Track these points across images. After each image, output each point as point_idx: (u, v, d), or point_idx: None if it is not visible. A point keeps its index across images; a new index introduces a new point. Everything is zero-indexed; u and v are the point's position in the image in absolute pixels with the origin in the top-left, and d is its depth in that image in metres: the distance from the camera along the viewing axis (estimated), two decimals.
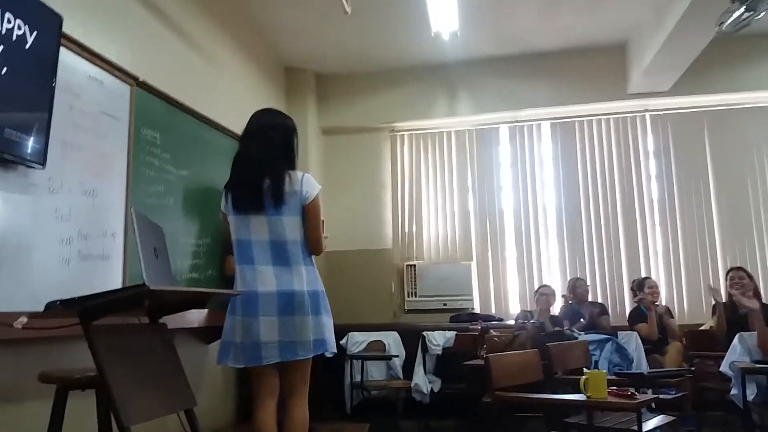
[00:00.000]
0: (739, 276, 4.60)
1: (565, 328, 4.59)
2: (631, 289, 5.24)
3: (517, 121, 6.10)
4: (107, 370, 1.82)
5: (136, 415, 1.84)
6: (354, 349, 5.04)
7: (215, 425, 4.09)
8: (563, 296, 5.22)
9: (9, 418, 2.38)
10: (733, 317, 4.36)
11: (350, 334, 5.14)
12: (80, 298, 1.78)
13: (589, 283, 5.67)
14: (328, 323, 2.52)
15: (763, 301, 4.42)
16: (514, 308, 5.78)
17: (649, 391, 3.55)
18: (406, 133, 6.28)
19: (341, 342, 5.10)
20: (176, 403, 2.10)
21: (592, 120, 5.99)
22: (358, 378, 4.84)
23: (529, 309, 5.11)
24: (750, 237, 5.56)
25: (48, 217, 2.54)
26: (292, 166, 2.59)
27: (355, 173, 6.18)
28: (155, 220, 3.30)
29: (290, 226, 2.49)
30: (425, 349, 4.99)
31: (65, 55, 2.64)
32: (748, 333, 3.96)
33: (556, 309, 5.17)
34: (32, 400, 2.39)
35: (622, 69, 5.71)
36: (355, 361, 4.89)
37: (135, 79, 3.17)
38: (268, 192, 2.47)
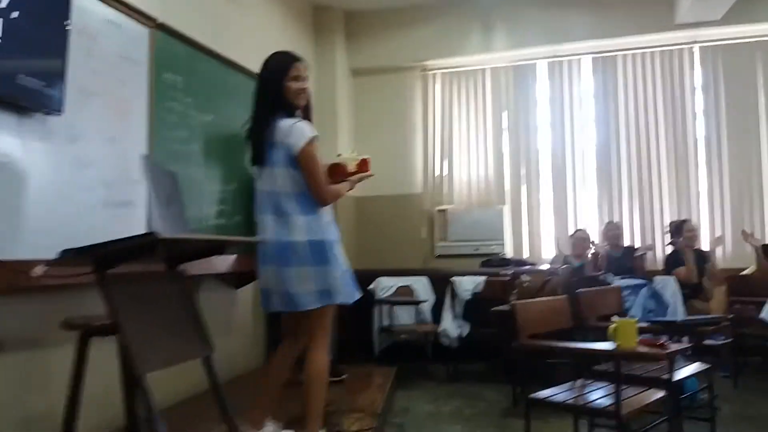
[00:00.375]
0: None
1: (600, 273, 4.47)
2: (669, 232, 5.04)
3: (556, 56, 5.80)
4: (121, 319, 1.83)
5: (151, 362, 1.86)
6: (382, 293, 5.04)
7: (247, 367, 4.20)
8: (592, 243, 5.03)
9: (34, 364, 2.46)
10: None
11: (379, 279, 5.13)
12: (91, 246, 1.77)
13: (628, 227, 5.50)
14: (333, 273, 2.43)
15: None
16: (548, 253, 5.67)
17: (686, 339, 3.47)
18: (438, 72, 6.06)
19: (369, 287, 5.10)
20: (193, 351, 2.12)
21: (636, 54, 5.65)
22: (386, 322, 4.86)
23: (565, 253, 4.99)
24: None
25: (69, 164, 2.53)
26: (275, 114, 2.46)
27: (385, 115, 6.04)
28: (179, 166, 3.31)
29: (282, 177, 2.44)
30: (454, 295, 4.96)
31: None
32: None
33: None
34: (56, 346, 2.45)
35: None
36: (383, 305, 4.90)
37: (153, 21, 3.08)
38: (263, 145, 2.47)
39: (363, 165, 2.71)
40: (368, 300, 5.07)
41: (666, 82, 5.58)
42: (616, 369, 2.46)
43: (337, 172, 2.67)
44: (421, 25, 5.84)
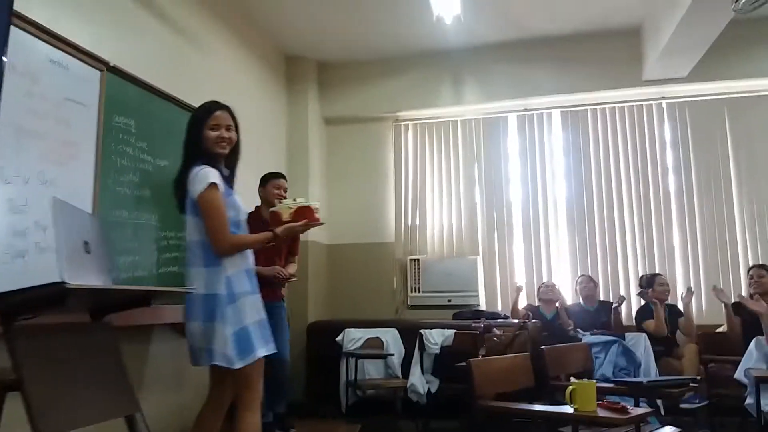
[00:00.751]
0: (759, 274, 4.30)
1: (570, 328, 4.34)
2: (640, 285, 4.95)
3: (526, 110, 5.84)
4: (24, 374, 1.68)
5: (56, 422, 1.70)
6: (350, 346, 4.87)
7: None
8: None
9: None
10: (749, 319, 4.07)
11: (346, 330, 4.97)
12: None
13: (601, 280, 5.42)
14: (221, 331, 2.28)
15: None
16: (522, 305, 5.54)
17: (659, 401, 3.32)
18: (410, 122, 6.07)
19: (336, 338, 4.94)
20: (114, 409, 1.96)
21: (605, 108, 5.69)
22: (353, 376, 4.67)
23: (535, 304, 4.88)
24: None
25: (1, 207, 2.41)
26: (194, 162, 2.44)
27: (358, 164, 6.00)
28: (129, 211, 3.19)
29: (190, 226, 2.41)
30: (423, 348, 4.79)
31: (22, 37, 2.51)
32: (766, 337, 3.68)
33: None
34: None
35: (637, 54, 5.40)
36: (350, 358, 4.72)
37: (105, 64, 3.03)
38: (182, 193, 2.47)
39: (301, 213, 2.58)
40: (336, 352, 4.91)
41: (635, 136, 5.61)
42: None
43: (273, 220, 2.61)
44: (393, 76, 5.87)
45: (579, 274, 5.37)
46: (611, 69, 5.45)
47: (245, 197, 3.89)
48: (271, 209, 2.71)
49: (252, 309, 2.39)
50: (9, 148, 2.43)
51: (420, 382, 4.71)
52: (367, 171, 5.98)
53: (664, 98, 5.55)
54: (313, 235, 5.57)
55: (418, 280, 5.79)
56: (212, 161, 2.45)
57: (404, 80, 5.87)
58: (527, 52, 5.60)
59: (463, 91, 5.78)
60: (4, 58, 2.30)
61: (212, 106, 2.53)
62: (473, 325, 4.94)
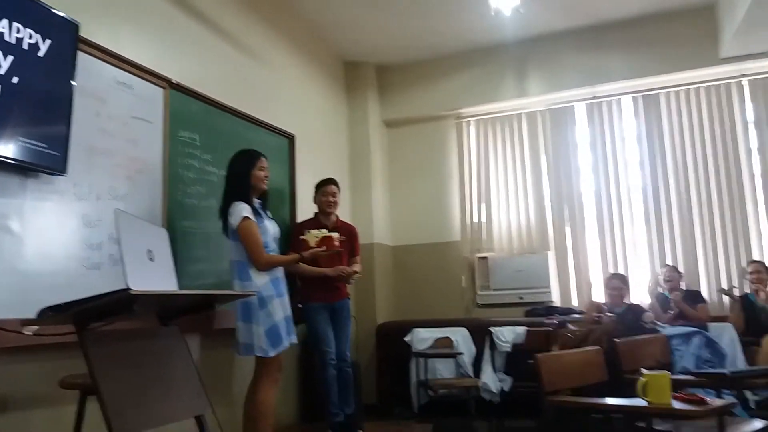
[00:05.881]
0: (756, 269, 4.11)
1: (648, 321, 4.14)
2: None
3: (594, 98, 5.62)
4: (99, 378, 1.78)
5: (130, 424, 1.79)
6: (420, 346, 4.85)
7: (279, 422, 4.07)
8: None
9: (37, 423, 2.43)
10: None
11: (415, 330, 4.95)
12: (67, 303, 1.75)
13: (683, 270, 5.13)
14: (257, 330, 2.94)
15: None
16: (598, 300, 5.33)
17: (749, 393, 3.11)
18: (472, 119, 5.98)
19: (406, 338, 4.93)
20: (184, 410, 2.04)
21: (679, 91, 5.39)
22: (424, 376, 4.65)
23: (603, 301, 4.69)
24: None
25: (75, 223, 2.57)
26: (232, 198, 3.03)
27: (421, 164, 5.98)
28: (197, 221, 3.33)
29: (230, 248, 3.06)
30: (493, 346, 4.71)
31: (89, 62, 2.68)
32: None
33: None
34: (59, 405, 2.42)
35: (711, 31, 5.08)
36: (420, 358, 4.70)
37: (167, 81, 3.17)
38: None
39: (324, 241, 3.25)
40: (405, 353, 4.91)
41: (714, 118, 5.27)
42: (647, 426, 2.21)
43: (302, 246, 3.28)
44: (453, 74, 5.82)
45: (659, 264, 5.12)
46: (684, 49, 5.16)
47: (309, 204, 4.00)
48: (301, 237, 3.36)
49: (279, 308, 3.01)
50: (81, 167, 2.59)
51: (492, 380, 4.63)
52: (429, 170, 5.95)
53: (744, 75, 5.20)
54: (378, 237, 5.62)
55: (488, 278, 5.70)
56: (250, 195, 3.06)
57: (464, 77, 5.80)
58: (593, 38, 5.40)
59: (527, 82, 5.65)
60: (73, 83, 2.47)
61: (258, 153, 3.17)
62: (546, 321, 4.82)
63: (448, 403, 4.74)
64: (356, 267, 3.96)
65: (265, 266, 2.98)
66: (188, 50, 3.50)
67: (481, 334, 4.91)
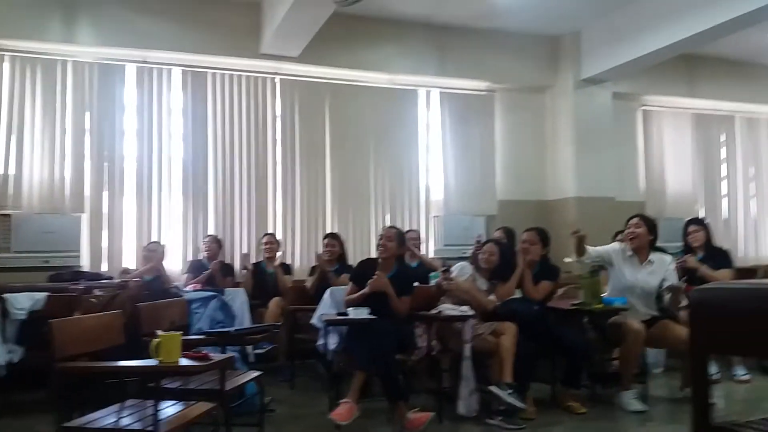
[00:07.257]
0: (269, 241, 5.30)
1: (172, 285, 4.42)
2: None
3: (145, 62, 5.59)
4: None
5: None
6: None
7: None
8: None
9: None
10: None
11: None
12: None
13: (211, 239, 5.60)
14: None
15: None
16: (132, 266, 5.37)
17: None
18: (7, 54, 5.18)
19: None
20: None
21: (225, 74, 5.85)
22: None
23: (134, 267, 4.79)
24: (355, 205, 6.16)
25: None
26: None
27: None
28: None
29: None
30: (6, 314, 4.24)
31: None
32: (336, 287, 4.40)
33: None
34: None
35: (257, 26, 5.68)
36: None
37: None
38: None
39: None
40: None
41: (251, 106, 5.91)
42: (155, 386, 2.41)
43: None
44: None
45: (192, 233, 5.51)
46: (231, 35, 5.63)
47: None
48: None
49: None
50: None
51: (0, 352, 4.16)
52: None
53: (277, 74, 5.99)
54: None
55: (8, 238, 5.08)
56: None
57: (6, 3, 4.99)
58: (147, 2, 5.38)
59: (76, 28, 5.22)
60: None
61: None
62: (71, 287, 4.60)
63: None
64: None
65: None
66: None
67: None
